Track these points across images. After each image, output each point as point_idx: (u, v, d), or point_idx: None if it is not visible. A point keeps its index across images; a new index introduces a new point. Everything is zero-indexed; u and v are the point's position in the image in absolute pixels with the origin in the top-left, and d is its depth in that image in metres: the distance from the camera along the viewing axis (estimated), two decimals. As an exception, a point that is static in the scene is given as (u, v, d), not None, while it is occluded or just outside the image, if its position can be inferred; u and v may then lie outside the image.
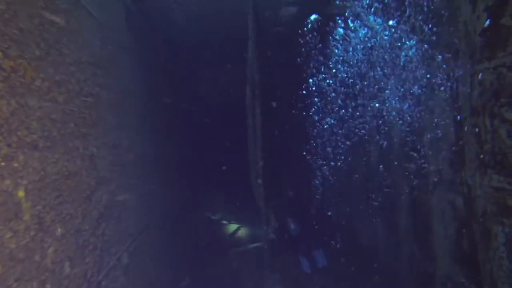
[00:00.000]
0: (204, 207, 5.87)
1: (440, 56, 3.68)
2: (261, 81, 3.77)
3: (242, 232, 4.62)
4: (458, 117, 3.53)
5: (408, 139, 4.56)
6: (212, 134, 6.91)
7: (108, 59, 2.82)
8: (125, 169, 3.00)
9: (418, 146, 4.25)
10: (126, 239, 2.86)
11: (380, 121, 5.16)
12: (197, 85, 5.83)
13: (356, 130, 5.76)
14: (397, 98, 4.74)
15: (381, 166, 5.21)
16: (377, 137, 5.28)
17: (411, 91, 4.32)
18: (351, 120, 5.73)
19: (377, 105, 5.20)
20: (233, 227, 4.69)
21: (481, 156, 3.30)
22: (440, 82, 3.72)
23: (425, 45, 3.91)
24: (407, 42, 4.26)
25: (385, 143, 5.13)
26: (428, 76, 3.94)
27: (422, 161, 4.19)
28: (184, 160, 5.53)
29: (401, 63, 4.48)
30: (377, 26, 4.93)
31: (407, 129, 4.56)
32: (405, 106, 4.56)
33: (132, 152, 3.27)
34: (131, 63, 3.49)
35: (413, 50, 4.09)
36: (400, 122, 4.71)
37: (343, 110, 5.79)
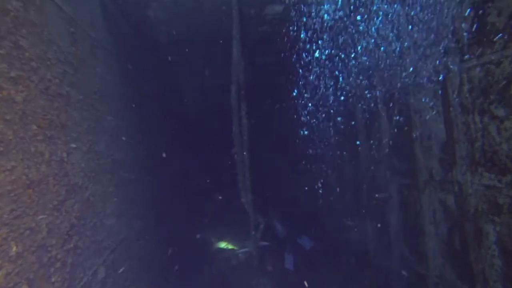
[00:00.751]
0: (190, 214, 5.61)
1: (429, 52, 3.57)
2: (246, 81, 3.56)
3: (230, 242, 4.40)
4: (448, 114, 3.43)
5: (397, 138, 4.45)
6: (197, 135, 6.66)
7: (82, 57, 2.56)
8: (102, 175, 2.74)
9: (408, 145, 4.13)
10: (103, 251, 2.59)
11: (368, 121, 5.04)
12: (180, 87, 5.57)
13: (347, 133, 5.63)
14: (384, 97, 4.64)
15: (371, 167, 5.08)
16: (367, 136, 5.15)
17: (400, 89, 4.21)
18: (341, 125, 5.59)
19: (364, 106, 5.09)
20: (221, 244, 4.36)
21: (472, 154, 3.19)
22: (429, 78, 3.61)
23: (414, 41, 3.80)
24: (394, 41, 4.15)
25: (375, 144, 5.00)
26: (417, 72, 3.83)
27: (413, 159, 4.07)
28: (167, 165, 5.26)
29: (388, 61, 4.37)
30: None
31: (395, 129, 4.45)
32: (392, 105, 4.45)
33: (110, 157, 3.01)
34: (109, 62, 3.23)
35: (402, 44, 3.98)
36: (388, 121, 4.60)
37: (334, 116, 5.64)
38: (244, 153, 3.39)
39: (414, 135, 4.00)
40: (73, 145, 2.28)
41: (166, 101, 5.53)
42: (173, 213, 5.16)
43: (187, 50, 4.52)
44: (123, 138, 3.46)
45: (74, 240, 2.07)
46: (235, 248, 4.03)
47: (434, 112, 3.71)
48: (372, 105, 4.94)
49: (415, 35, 3.72)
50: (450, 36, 3.25)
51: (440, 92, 3.54)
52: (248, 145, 3.44)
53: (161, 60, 4.78)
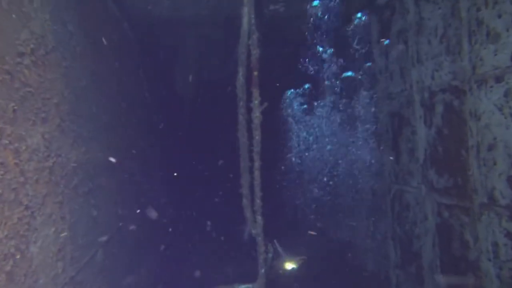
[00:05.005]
0: (181, 227, 4.40)
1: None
2: (261, 60, 2.38)
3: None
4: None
5: (438, 147, 3.34)
6: (191, 132, 5.46)
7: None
8: (30, 189, 1.56)
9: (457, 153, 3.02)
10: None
11: (398, 125, 3.93)
12: (171, 75, 4.36)
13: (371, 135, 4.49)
14: (421, 95, 3.53)
15: (398, 180, 3.95)
16: (394, 143, 4.03)
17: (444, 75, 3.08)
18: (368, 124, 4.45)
19: (392, 107, 3.96)
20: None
21: None
22: (500, 70, 2.49)
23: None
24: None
25: (405, 153, 3.87)
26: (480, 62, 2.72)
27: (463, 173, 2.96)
28: (147, 167, 4.04)
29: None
30: None
31: (436, 136, 3.35)
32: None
33: (52, 160, 1.83)
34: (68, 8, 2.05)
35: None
36: (425, 126, 3.49)
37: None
38: (255, 159, 2.20)
39: (469, 144, 2.89)
40: None
41: (153, 89, 4.30)
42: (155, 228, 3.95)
43: (184, 28, 3.32)
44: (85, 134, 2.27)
45: None
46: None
47: (503, 115, 2.60)
48: (404, 106, 3.83)
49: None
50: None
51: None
52: (260, 149, 2.25)
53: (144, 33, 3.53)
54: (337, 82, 4.60)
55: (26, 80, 1.62)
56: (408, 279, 3.81)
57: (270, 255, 2.73)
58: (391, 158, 4.06)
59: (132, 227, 3.00)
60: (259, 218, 2.23)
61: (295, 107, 5.38)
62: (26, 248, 1.51)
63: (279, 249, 3.50)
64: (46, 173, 1.76)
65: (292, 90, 5.54)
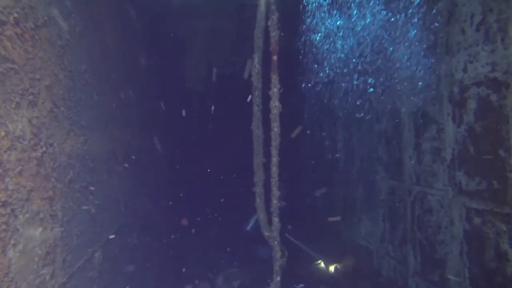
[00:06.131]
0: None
1: None
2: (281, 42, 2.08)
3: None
4: None
5: (467, 146, 2.97)
6: (199, 125, 5.13)
7: None
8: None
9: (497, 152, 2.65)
10: None
11: (421, 122, 3.56)
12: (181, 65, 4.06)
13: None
14: (450, 92, 3.15)
15: (419, 181, 3.60)
16: (417, 141, 3.67)
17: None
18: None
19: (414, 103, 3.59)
20: None
21: None
22: None
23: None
24: None
25: (428, 152, 3.51)
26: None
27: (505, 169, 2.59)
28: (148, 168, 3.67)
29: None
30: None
31: (466, 134, 2.98)
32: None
33: (41, 150, 1.56)
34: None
35: None
36: (453, 123, 3.12)
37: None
38: (272, 155, 1.90)
39: (511, 144, 2.52)
40: None
41: (160, 79, 3.98)
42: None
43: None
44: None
45: None
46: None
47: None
48: (428, 102, 3.46)
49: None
50: None
51: None
52: (279, 143, 1.94)
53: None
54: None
55: (8, 54, 1.34)
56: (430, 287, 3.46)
57: (285, 259, 2.42)
58: (413, 158, 3.70)
59: (135, 226, 2.72)
60: (275, 220, 1.93)
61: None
62: (1, 253, 1.23)
63: (295, 242, 3.17)
64: (33, 164, 1.48)
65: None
